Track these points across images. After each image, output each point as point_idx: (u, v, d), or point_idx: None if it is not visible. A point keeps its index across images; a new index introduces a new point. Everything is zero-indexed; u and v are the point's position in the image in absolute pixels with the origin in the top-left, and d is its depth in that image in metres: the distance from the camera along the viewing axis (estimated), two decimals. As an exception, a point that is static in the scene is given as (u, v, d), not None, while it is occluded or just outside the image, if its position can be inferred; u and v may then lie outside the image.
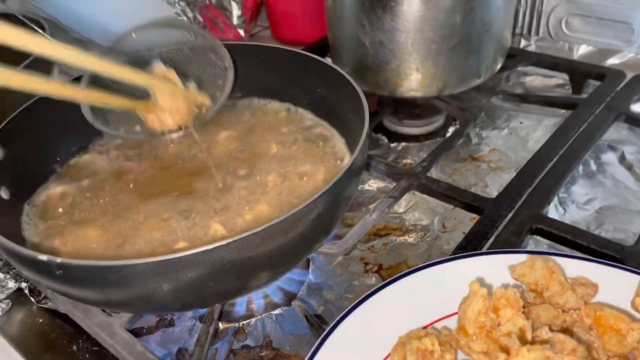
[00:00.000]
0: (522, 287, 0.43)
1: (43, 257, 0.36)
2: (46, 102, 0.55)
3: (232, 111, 0.64)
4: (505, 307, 0.37)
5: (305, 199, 0.50)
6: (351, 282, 0.55)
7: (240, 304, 0.52)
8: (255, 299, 0.52)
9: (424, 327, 0.41)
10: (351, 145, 0.56)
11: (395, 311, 0.42)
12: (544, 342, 0.35)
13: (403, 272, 0.44)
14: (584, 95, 0.75)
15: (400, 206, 0.63)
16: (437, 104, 0.75)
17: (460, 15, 0.64)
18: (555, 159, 0.61)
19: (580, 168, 0.66)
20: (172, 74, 0.53)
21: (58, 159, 0.57)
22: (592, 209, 0.61)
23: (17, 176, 0.51)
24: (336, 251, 0.53)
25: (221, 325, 0.51)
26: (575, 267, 0.44)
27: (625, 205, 0.61)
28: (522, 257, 0.44)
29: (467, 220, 0.61)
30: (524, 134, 0.74)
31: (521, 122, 0.76)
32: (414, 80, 0.69)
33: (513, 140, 0.73)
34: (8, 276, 0.53)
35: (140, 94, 0.51)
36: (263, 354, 0.49)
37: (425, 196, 0.63)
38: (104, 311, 0.49)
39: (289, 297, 0.53)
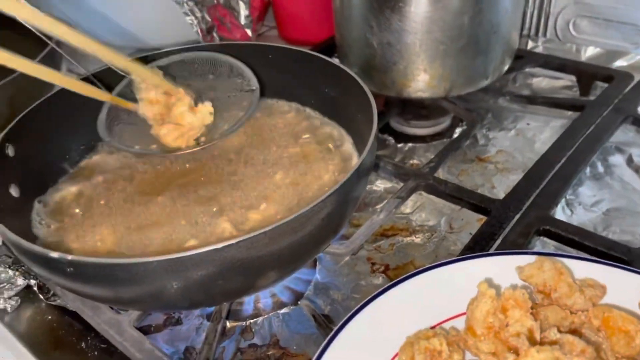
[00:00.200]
0: (530, 288, 0.43)
1: (55, 255, 0.36)
2: (55, 102, 0.55)
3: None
4: (514, 308, 0.37)
5: (312, 198, 0.50)
6: (358, 282, 0.55)
7: (247, 303, 0.52)
8: (262, 298, 0.52)
9: (432, 327, 0.41)
10: (359, 145, 0.56)
11: (402, 311, 0.42)
12: (552, 343, 0.35)
13: (411, 272, 0.44)
14: (592, 97, 0.75)
15: (407, 207, 0.63)
16: (444, 104, 0.75)
17: (468, 17, 0.64)
18: (562, 161, 0.61)
19: (588, 170, 0.66)
20: (182, 93, 0.53)
21: (67, 157, 0.58)
22: (599, 211, 0.61)
23: (28, 174, 0.51)
24: (343, 251, 0.53)
25: (228, 324, 0.51)
26: (583, 269, 0.44)
27: (632, 207, 0.61)
28: (530, 259, 0.44)
29: (474, 221, 0.61)
30: (530, 135, 0.74)
31: (528, 124, 0.76)
32: (421, 81, 0.69)
33: (520, 141, 0.73)
34: (17, 273, 0.54)
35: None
36: (270, 352, 0.49)
37: (431, 197, 0.63)
38: (112, 309, 0.49)
39: (296, 297, 0.53)
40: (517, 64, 0.79)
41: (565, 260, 0.44)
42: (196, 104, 0.54)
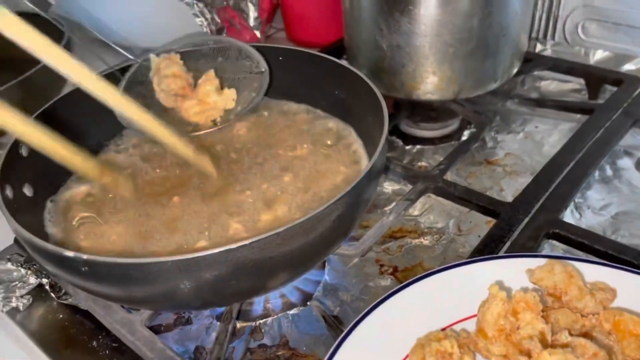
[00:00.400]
0: (541, 291, 0.43)
1: (69, 254, 0.36)
2: (67, 103, 0.56)
3: (250, 111, 0.64)
4: (525, 310, 0.38)
5: (322, 200, 0.51)
6: (366, 284, 0.55)
7: (257, 303, 0.52)
8: (272, 299, 0.53)
9: (442, 329, 0.41)
10: (369, 147, 0.56)
11: (413, 313, 0.42)
12: (564, 346, 0.35)
13: (422, 274, 0.44)
14: (601, 101, 0.75)
15: (416, 209, 0.63)
16: (452, 107, 0.75)
17: (477, 19, 0.64)
18: (572, 164, 0.61)
19: (596, 173, 0.65)
20: (211, 74, 0.54)
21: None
22: (607, 215, 0.61)
23: (40, 173, 0.51)
24: (353, 252, 0.53)
25: (238, 324, 0.51)
26: (593, 272, 0.44)
27: (641, 211, 0.61)
28: (540, 261, 0.44)
29: (482, 224, 0.61)
30: (539, 138, 0.74)
31: (536, 127, 0.76)
32: (430, 83, 0.69)
33: (528, 144, 0.73)
34: (29, 272, 0.54)
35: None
36: (279, 353, 0.49)
37: (440, 199, 0.63)
38: (124, 308, 0.49)
39: (305, 297, 0.53)
40: (526, 67, 0.79)
41: (576, 264, 0.44)
42: (222, 88, 0.55)
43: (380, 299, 0.43)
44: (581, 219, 0.60)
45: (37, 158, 0.50)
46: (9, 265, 0.54)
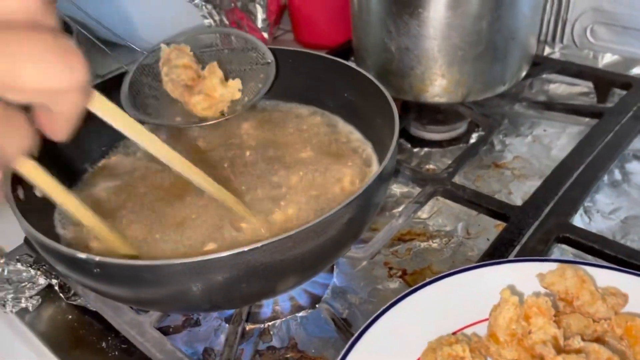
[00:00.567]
0: (552, 295, 0.43)
1: (82, 256, 0.36)
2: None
3: (259, 113, 0.64)
4: (537, 315, 0.37)
5: (331, 203, 0.51)
6: (375, 287, 0.55)
7: (266, 306, 0.52)
8: (280, 301, 0.53)
9: (453, 333, 0.41)
10: (378, 150, 0.56)
11: (424, 317, 0.42)
12: (576, 351, 0.35)
13: (433, 278, 0.44)
14: (610, 104, 0.75)
15: (424, 212, 0.63)
16: (460, 110, 0.75)
17: (486, 22, 0.64)
18: (581, 168, 0.61)
19: (605, 177, 0.65)
20: (215, 66, 0.54)
21: (88, 158, 0.58)
22: (617, 219, 0.61)
23: (51, 174, 0.51)
24: (362, 255, 0.53)
25: (247, 327, 0.51)
26: (604, 277, 0.44)
27: (651, 215, 0.61)
28: (551, 266, 0.44)
29: (491, 227, 0.61)
30: (547, 142, 0.74)
31: (545, 130, 0.76)
32: (438, 86, 0.69)
33: (536, 147, 0.73)
34: (38, 273, 0.54)
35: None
36: (288, 355, 0.49)
37: (448, 202, 0.63)
38: (133, 309, 0.49)
39: (314, 300, 0.53)
40: (534, 70, 0.78)
41: (587, 268, 0.44)
42: (226, 79, 0.56)
43: (391, 302, 0.43)
44: (590, 223, 0.60)
45: (48, 159, 0.51)
46: (19, 265, 0.54)
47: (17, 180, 0.46)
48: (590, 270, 0.43)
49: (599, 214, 0.61)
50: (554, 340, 0.36)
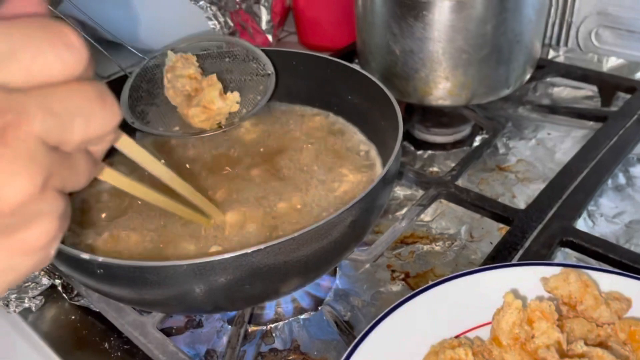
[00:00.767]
0: (555, 299, 0.43)
1: (85, 256, 0.36)
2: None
3: (263, 116, 0.64)
4: (540, 319, 0.37)
5: (334, 205, 0.51)
6: (378, 289, 0.55)
7: (268, 307, 0.52)
8: (283, 303, 0.53)
9: (456, 337, 0.41)
10: (382, 152, 0.56)
11: (426, 320, 0.42)
12: (579, 356, 0.35)
13: (435, 281, 0.44)
14: (614, 108, 0.75)
15: (427, 214, 0.63)
16: (464, 112, 0.75)
17: (491, 26, 0.64)
18: (585, 172, 0.61)
19: (609, 181, 0.65)
20: (214, 78, 0.54)
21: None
22: (621, 223, 0.60)
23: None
24: (365, 258, 0.53)
25: (249, 328, 0.51)
26: (608, 281, 0.43)
27: (655, 220, 0.60)
28: (554, 270, 0.44)
29: (494, 230, 0.61)
30: (551, 145, 0.74)
31: (549, 133, 0.76)
32: (442, 89, 0.69)
33: (540, 151, 0.73)
34: (42, 273, 0.54)
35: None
36: (290, 357, 0.49)
37: (452, 205, 0.63)
38: (136, 310, 0.49)
39: (316, 302, 0.53)
40: (538, 74, 0.78)
41: (590, 272, 0.44)
42: (225, 92, 0.56)
43: (394, 305, 0.43)
44: (594, 227, 0.60)
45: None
46: (22, 265, 0.54)
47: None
48: (594, 274, 0.43)
49: (602, 218, 0.61)
50: (557, 344, 0.36)
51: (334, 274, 0.56)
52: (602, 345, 0.38)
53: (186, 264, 0.36)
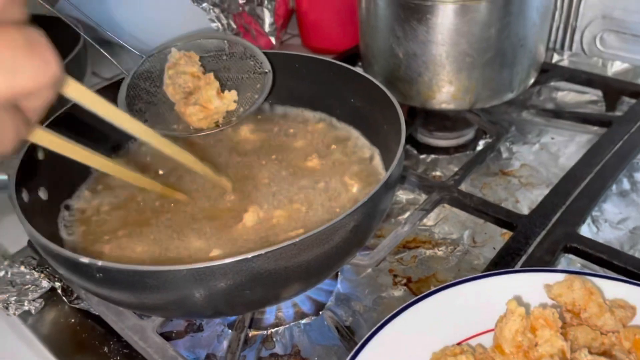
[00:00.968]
0: (559, 307, 0.42)
1: (85, 260, 0.36)
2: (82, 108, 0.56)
3: (265, 119, 0.64)
4: (544, 327, 0.37)
5: (336, 209, 0.50)
6: (379, 294, 0.54)
7: (269, 312, 0.52)
8: (284, 308, 0.52)
9: (458, 344, 0.41)
10: (385, 156, 0.56)
11: (428, 326, 0.42)
12: (584, 364, 0.35)
13: (437, 287, 0.44)
14: (619, 113, 0.74)
15: (430, 219, 0.63)
16: (468, 116, 0.74)
17: (496, 29, 0.64)
18: (589, 177, 0.60)
19: (614, 186, 0.65)
20: (211, 77, 0.54)
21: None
22: (625, 229, 0.60)
23: (56, 177, 0.51)
24: (367, 263, 0.53)
25: (250, 333, 0.51)
26: (612, 288, 0.43)
27: (660, 226, 0.60)
28: (558, 277, 0.43)
29: (497, 236, 0.60)
30: (555, 150, 0.73)
31: (552, 138, 0.75)
32: (446, 92, 0.68)
33: (544, 155, 0.72)
34: (42, 275, 0.54)
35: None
36: (291, 362, 0.49)
37: (454, 209, 0.62)
38: (136, 314, 0.49)
39: (317, 307, 0.53)
40: (542, 78, 0.78)
41: (595, 279, 0.43)
42: (222, 91, 0.56)
43: (395, 311, 0.42)
44: (598, 232, 0.60)
45: (53, 161, 0.51)
46: (22, 268, 0.54)
47: (22, 183, 0.46)
48: (598, 281, 0.43)
49: (607, 224, 0.61)
50: (560, 353, 0.36)
51: (335, 278, 0.55)
52: (606, 353, 0.38)
53: (186, 268, 0.35)
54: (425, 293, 0.43)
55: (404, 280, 0.56)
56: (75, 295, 0.54)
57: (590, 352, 0.36)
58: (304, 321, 0.52)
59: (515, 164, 0.71)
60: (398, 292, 0.55)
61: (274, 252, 0.36)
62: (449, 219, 0.63)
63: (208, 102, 0.55)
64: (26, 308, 0.53)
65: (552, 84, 0.83)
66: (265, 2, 0.87)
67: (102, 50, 0.59)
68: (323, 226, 0.38)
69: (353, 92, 0.59)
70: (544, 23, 0.69)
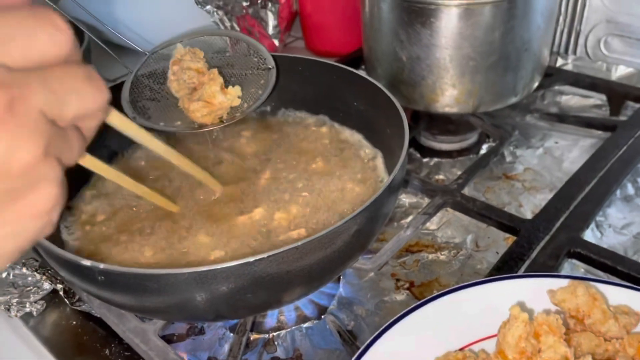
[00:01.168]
0: (563, 313, 0.42)
1: (87, 263, 0.36)
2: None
3: (268, 121, 0.64)
4: (547, 333, 0.37)
5: (338, 212, 0.50)
6: (382, 298, 0.54)
7: (271, 316, 0.52)
8: (286, 311, 0.52)
9: (460, 349, 0.40)
10: (388, 159, 0.56)
11: (431, 331, 0.42)
12: (587, 371, 0.34)
13: (440, 292, 0.43)
14: (623, 118, 0.74)
15: (433, 223, 0.62)
16: (471, 120, 0.74)
17: (499, 33, 0.63)
18: (593, 182, 0.60)
19: (618, 191, 0.64)
20: (215, 73, 0.54)
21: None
22: (629, 234, 0.60)
23: (58, 179, 0.51)
24: (369, 267, 0.53)
25: (251, 336, 0.51)
26: (616, 294, 0.43)
27: (664, 231, 0.60)
28: (562, 282, 0.43)
29: (500, 240, 0.60)
30: (558, 154, 0.73)
31: (556, 142, 0.75)
32: (449, 96, 0.68)
33: (548, 160, 0.72)
34: (44, 277, 0.54)
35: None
36: (293, 367, 0.48)
37: (457, 213, 0.62)
38: (137, 316, 0.49)
39: (320, 311, 0.52)
40: (546, 82, 0.78)
41: (598, 285, 0.43)
42: (226, 86, 0.56)
43: (397, 316, 0.42)
44: (602, 237, 0.59)
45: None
46: (24, 270, 0.54)
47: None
48: (602, 287, 0.43)
49: (611, 229, 0.60)
50: (564, 359, 0.35)
51: (337, 281, 0.55)
52: (610, 360, 0.38)
53: (187, 272, 0.35)
54: (428, 298, 0.43)
55: (407, 285, 0.56)
56: (76, 298, 0.54)
57: (594, 359, 0.36)
58: (305, 325, 0.51)
59: (518, 168, 0.71)
60: (400, 296, 0.54)
61: (276, 255, 0.36)
62: (452, 223, 0.63)
63: (212, 98, 0.54)
64: (28, 310, 0.53)
65: (556, 88, 0.82)
66: (269, 5, 0.87)
67: (106, 48, 0.58)
68: (325, 230, 0.38)
69: (356, 96, 0.59)
70: (548, 27, 0.69)
